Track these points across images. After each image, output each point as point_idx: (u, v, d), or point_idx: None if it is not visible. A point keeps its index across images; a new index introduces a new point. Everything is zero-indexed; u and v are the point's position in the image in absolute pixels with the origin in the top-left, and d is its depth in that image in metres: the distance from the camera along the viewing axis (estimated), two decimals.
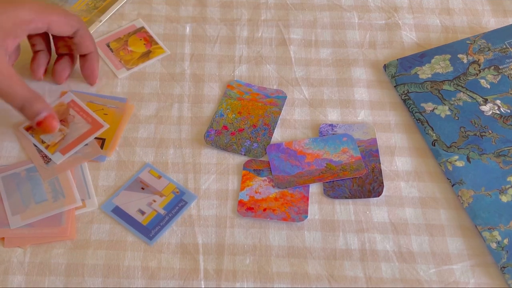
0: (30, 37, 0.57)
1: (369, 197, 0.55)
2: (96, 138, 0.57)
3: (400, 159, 0.57)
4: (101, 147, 0.56)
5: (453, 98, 0.59)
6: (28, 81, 0.58)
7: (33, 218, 0.52)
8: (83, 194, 0.54)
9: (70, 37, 0.56)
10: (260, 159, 0.57)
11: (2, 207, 0.52)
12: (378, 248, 0.52)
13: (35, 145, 0.56)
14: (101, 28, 0.66)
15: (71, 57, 0.60)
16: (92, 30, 0.65)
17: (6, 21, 0.50)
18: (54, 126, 0.53)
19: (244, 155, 0.57)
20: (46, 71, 0.60)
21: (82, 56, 0.59)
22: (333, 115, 0.60)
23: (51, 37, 0.59)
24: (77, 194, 0.53)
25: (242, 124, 0.59)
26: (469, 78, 0.61)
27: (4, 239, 0.51)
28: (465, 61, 0.62)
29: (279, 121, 0.60)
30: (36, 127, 0.53)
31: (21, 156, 0.56)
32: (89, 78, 0.60)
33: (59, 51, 0.60)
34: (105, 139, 0.57)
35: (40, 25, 0.53)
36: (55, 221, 0.52)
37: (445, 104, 0.59)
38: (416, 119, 0.59)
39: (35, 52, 0.59)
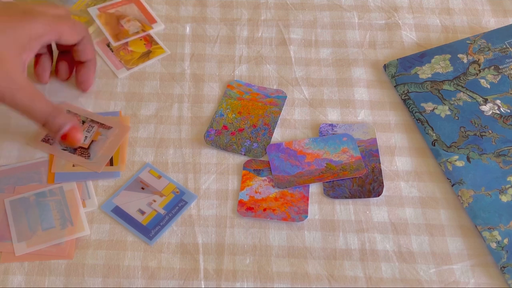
0: None
1: (369, 197, 0.55)
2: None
3: (400, 159, 0.57)
4: (111, 164, 0.56)
5: (453, 98, 0.59)
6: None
7: (39, 245, 0.51)
8: (83, 194, 0.54)
9: (74, 44, 0.56)
10: (260, 159, 0.57)
11: (8, 230, 0.51)
12: (378, 248, 0.52)
13: (65, 149, 0.56)
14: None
15: (70, 59, 0.60)
16: (92, 30, 0.65)
17: (21, 36, 0.50)
18: (78, 138, 0.53)
19: (244, 155, 0.57)
20: (50, 74, 0.60)
21: (80, 63, 0.59)
22: (333, 115, 0.60)
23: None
24: (86, 221, 0.52)
25: (242, 124, 0.59)
26: (469, 78, 0.61)
27: (1, 254, 0.51)
28: (465, 61, 0.62)
29: (279, 121, 0.60)
30: (60, 141, 0.53)
31: (21, 156, 0.56)
32: (82, 84, 0.59)
33: (60, 49, 0.59)
34: (111, 156, 0.56)
35: (53, 37, 0.53)
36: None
37: (445, 104, 0.59)
38: (416, 119, 0.59)
39: (38, 56, 0.58)
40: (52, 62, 0.60)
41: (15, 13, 0.51)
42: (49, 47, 0.59)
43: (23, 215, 0.52)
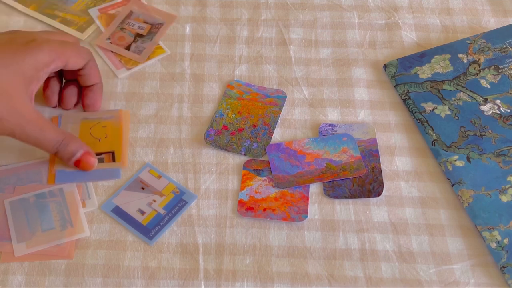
0: None
1: (369, 197, 0.55)
2: (105, 153, 0.56)
3: (400, 159, 0.57)
4: (113, 160, 0.55)
5: (453, 98, 0.59)
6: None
7: (39, 246, 0.51)
8: (83, 194, 0.54)
9: (79, 70, 0.56)
10: (260, 159, 0.57)
11: (7, 231, 0.51)
12: (378, 248, 0.52)
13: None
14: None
15: (78, 84, 0.58)
16: (92, 30, 0.65)
17: (27, 67, 0.49)
18: (92, 162, 0.53)
19: (244, 155, 0.57)
20: (60, 98, 0.58)
21: (86, 87, 0.58)
22: (333, 115, 0.60)
23: None
24: (85, 223, 0.52)
25: (242, 124, 0.59)
26: (469, 78, 0.61)
27: (1, 254, 0.51)
28: (465, 61, 0.62)
29: (279, 121, 0.60)
30: (74, 167, 0.53)
31: (21, 156, 0.56)
32: (90, 107, 0.58)
33: (66, 77, 0.59)
34: (113, 152, 0.56)
35: (60, 64, 0.52)
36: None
37: (445, 104, 0.59)
38: (416, 119, 0.59)
39: (47, 79, 0.57)
40: (60, 84, 0.58)
41: (19, 44, 0.50)
42: (57, 71, 0.57)
43: (23, 216, 0.52)
